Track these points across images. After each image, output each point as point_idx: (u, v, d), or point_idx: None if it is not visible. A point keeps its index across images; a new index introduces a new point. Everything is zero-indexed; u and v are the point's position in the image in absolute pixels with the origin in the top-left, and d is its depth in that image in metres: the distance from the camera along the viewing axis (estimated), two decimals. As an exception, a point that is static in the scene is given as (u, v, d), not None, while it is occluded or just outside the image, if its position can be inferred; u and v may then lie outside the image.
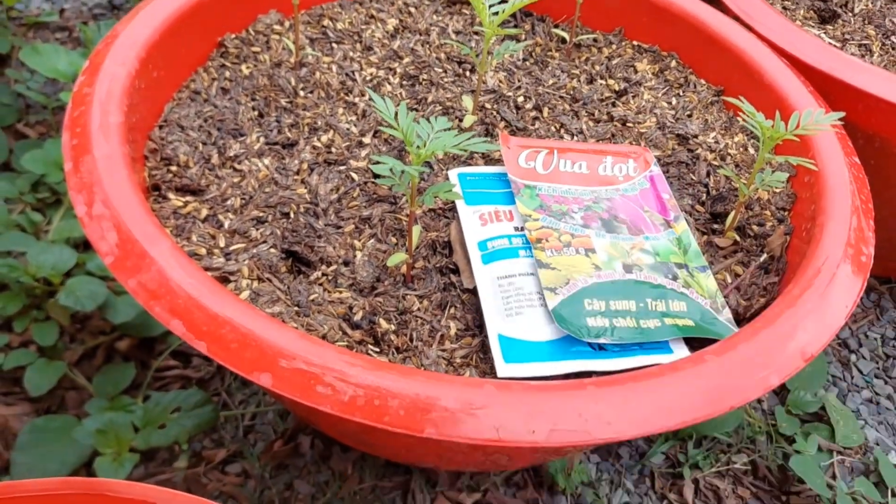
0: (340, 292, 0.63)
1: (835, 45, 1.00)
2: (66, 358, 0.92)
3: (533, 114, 0.81)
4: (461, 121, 0.77)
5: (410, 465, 0.85)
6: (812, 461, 0.88)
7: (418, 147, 0.56)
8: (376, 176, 0.72)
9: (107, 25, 1.21)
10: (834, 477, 0.92)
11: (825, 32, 1.03)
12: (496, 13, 0.70)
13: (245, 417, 0.90)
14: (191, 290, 0.52)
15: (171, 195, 0.67)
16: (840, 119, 0.67)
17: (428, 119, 0.58)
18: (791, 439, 0.93)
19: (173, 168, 0.70)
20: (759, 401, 0.98)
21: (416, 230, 0.63)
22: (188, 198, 0.68)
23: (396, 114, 0.56)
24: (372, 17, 0.92)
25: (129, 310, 0.90)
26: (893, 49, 1.01)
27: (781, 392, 1.00)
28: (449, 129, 0.57)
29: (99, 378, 0.87)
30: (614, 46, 0.94)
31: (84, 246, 1.04)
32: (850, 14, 1.06)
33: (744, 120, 0.70)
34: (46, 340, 0.89)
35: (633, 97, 0.86)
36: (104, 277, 0.95)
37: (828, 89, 0.86)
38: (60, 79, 1.07)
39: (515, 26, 0.95)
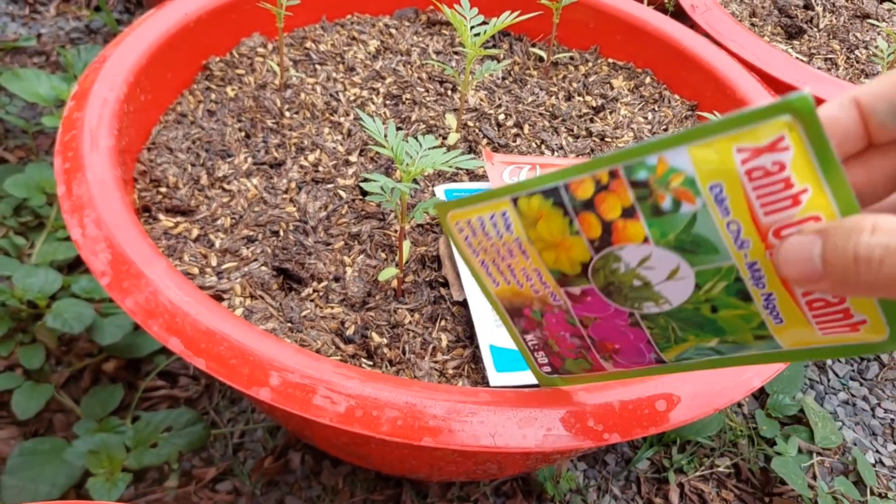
0: (332, 308, 0.64)
1: (802, 60, 1.03)
2: (53, 381, 0.92)
3: (514, 131, 0.83)
4: (445, 139, 0.79)
5: (401, 477, 0.86)
6: (793, 462, 0.90)
7: (407, 164, 0.57)
8: (364, 193, 0.73)
9: (87, 50, 1.21)
10: (814, 477, 0.94)
11: (792, 48, 1.06)
12: (477, 34, 0.72)
13: (234, 435, 0.91)
14: (188, 308, 0.53)
15: (161, 216, 0.68)
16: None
17: (415, 137, 0.60)
18: (772, 442, 0.95)
19: (163, 189, 0.71)
20: (740, 405, 1.01)
21: (406, 245, 0.65)
22: (178, 218, 0.69)
23: (386, 133, 0.57)
24: (354, 38, 0.94)
25: (117, 331, 0.90)
26: (857, 63, 1.05)
27: (761, 396, 1.02)
28: (436, 147, 0.59)
29: (87, 400, 0.87)
30: (590, 64, 0.96)
31: (68, 269, 1.04)
32: (816, 30, 1.10)
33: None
34: (33, 363, 0.89)
35: (611, 113, 0.88)
36: (89, 299, 0.95)
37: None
38: (42, 103, 1.07)
39: (494, 46, 0.97)
